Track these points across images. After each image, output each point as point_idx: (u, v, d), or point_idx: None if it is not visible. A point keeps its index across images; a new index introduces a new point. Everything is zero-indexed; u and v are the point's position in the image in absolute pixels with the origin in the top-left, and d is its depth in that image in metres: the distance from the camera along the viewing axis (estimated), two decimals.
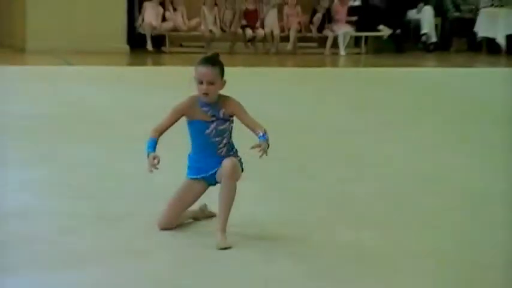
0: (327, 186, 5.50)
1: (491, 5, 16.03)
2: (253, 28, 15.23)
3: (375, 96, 10.44)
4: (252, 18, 15.24)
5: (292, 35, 15.17)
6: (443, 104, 10.04)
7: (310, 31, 15.41)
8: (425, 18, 16.05)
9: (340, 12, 15.53)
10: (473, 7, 16.36)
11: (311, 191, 5.35)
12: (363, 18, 15.65)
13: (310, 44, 15.68)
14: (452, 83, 12.11)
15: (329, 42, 15.35)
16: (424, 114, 9.29)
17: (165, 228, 4.55)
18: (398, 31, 15.86)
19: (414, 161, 6.74)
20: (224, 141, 4.69)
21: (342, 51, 15.29)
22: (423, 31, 16.07)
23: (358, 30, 15.62)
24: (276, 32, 15.20)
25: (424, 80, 12.57)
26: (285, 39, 15.22)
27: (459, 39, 16.43)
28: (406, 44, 16.11)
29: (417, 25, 16.15)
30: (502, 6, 16.00)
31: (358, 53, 15.64)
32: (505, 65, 14.54)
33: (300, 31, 15.35)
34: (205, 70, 4.57)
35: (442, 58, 15.53)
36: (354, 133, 7.71)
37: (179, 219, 4.68)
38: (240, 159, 4.55)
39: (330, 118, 8.68)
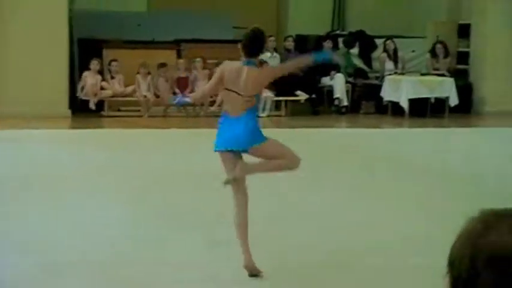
0: None
1: (395, 73, 16.93)
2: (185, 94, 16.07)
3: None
4: (183, 84, 16.08)
5: (220, 99, 15.95)
6: (354, 161, 10.84)
7: None
8: (337, 84, 16.72)
9: None
10: (379, 75, 17.22)
11: None
12: (282, 84, 16.52)
13: None
14: (362, 142, 12.83)
15: None
16: (338, 171, 10.23)
17: None
18: (313, 96, 16.59)
19: (331, 214, 7.64)
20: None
21: (264, 114, 15.94)
22: (336, 95, 16.71)
23: (278, 95, 16.34)
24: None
25: (337, 139, 13.29)
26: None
27: (367, 103, 16.98)
28: (321, 107, 16.71)
29: (330, 90, 16.81)
30: (403, 74, 16.92)
31: (279, 115, 16.32)
32: (408, 126, 15.38)
33: None
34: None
35: (353, 120, 16.16)
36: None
37: None
38: None
39: None
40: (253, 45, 5.84)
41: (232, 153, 5.66)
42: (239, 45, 5.91)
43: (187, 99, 6.46)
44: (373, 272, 5.93)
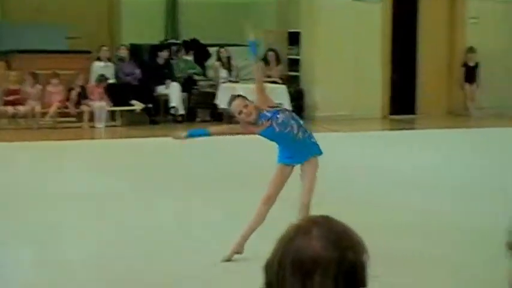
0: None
1: (229, 81, 16.89)
2: (15, 105, 15.48)
3: (129, 165, 11.13)
4: (14, 96, 15.48)
5: (53, 110, 15.50)
6: (191, 171, 10.75)
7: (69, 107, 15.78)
8: (173, 92, 16.55)
9: (95, 90, 15.98)
10: (213, 82, 17.09)
11: None
12: (116, 94, 16.18)
13: (69, 118, 15.96)
14: (201, 151, 12.93)
15: (86, 117, 15.72)
16: (174, 181, 10.05)
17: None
18: (149, 105, 16.33)
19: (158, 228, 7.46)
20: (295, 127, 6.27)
21: (99, 125, 15.72)
22: (171, 104, 16.54)
23: (113, 105, 16.05)
24: (38, 108, 15.52)
25: (176, 148, 13.26)
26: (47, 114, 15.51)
27: (203, 111, 16.93)
28: (158, 116, 16.50)
29: (166, 99, 16.62)
30: (237, 81, 16.90)
31: (114, 126, 15.99)
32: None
33: (60, 108, 15.71)
34: (238, 101, 6.14)
35: (189, 128, 15.78)
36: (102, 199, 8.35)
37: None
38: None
39: (88, 185, 9.29)
40: None
41: None
42: None
43: None
44: None
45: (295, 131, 6.31)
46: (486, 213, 7.96)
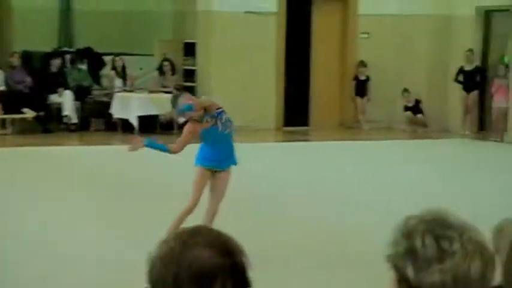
0: None
1: (124, 90, 16.73)
2: None
3: (20, 174, 10.93)
4: None
5: None
6: (85, 180, 10.64)
7: None
8: (66, 101, 16.29)
9: None
10: (108, 91, 16.90)
11: None
12: (7, 102, 15.82)
13: None
14: (92, 160, 12.70)
15: None
16: (68, 190, 9.92)
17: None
18: (42, 113, 16.03)
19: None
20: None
21: None
22: (64, 113, 16.30)
23: (3, 112, 15.72)
24: None
25: (67, 157, 13.00)
26: None
27: (97, 120, 16.75)
28: (51, 125, 16.19)
29: (59, 108, 16.34)
30: (132, 91, 16.75)
31: (5, 134, 15.65)
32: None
33: None
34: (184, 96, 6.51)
35: (83, 137, 15.88)
36: None
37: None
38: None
39: None
40: None
41: None
42: None
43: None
44: None
45: (232, 134, 6.54)
46: (371, 225, 8.15)
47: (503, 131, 16.29)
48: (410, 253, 1.80)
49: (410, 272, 1.80)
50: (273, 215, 8.76)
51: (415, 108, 17.68)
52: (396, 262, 1.83)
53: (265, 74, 17.39)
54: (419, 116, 17.66)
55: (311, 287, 6.30)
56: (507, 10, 16.11)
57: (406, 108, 17.72)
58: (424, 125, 17.61)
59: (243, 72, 17.16)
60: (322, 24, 18.12)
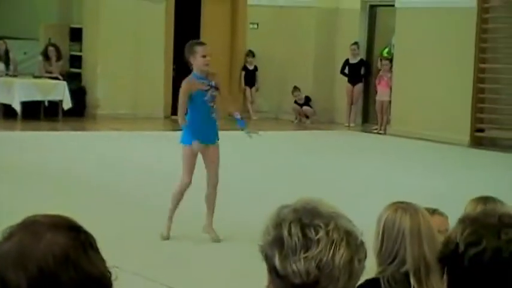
0: None
1: (6, 75, 16.25)
2: None
3: None
4: None
5: None
6: None
7: None
8: None
9: None
10: None
11: None
12: None
13: None
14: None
15: None
16: None
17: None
18: None
19: None
20: (215, 106, 6.85)
21: None
22: None
23: None
24: None
25: None
26: None
27: None
28: None
29: None
30: (15, 76, 16.29)
31: None
32: (21, 129, 14.91)
33: None
34: (206, 46, 7.00)
35: None
36: None
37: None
38: None
39: None
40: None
41: None
42: None
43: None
44: None
45: (213, 111, 6.96)
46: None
47: (386, 123, 16.66)
48: (278, 242, 1.81)
49: (277, 260, 1.81)
50: (136, 205, 8.65)
51: (305, 104, 17.86)
52: (266, 251, 1.84)
53: (154, 62, 17.23)
54: (305, 108, 17.85)
55: None
56: (392, 5, 16.46)
57: (297, 104, 17.90)
58: (311, 116, 17.80)
59: (131, 60, 16.96)
60: (212, 14, 18.08)
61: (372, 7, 17.82)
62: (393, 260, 3.10)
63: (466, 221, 2.09)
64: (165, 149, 13.08)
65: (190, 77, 7.15)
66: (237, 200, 9.12)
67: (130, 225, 7.80)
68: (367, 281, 3.04)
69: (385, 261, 3.12)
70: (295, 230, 1.81)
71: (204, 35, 18.10)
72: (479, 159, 13.65)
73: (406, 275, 3.08)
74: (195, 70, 7.11)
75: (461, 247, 2.03)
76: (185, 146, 7.04)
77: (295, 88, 17.77)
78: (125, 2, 16.87)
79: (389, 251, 3.10)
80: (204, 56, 6.93)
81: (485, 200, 3.66)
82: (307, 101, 17.85)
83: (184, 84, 7.07)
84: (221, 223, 7.51)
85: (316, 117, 17.79)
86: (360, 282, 1.90)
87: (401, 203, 3.23)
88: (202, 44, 7.28)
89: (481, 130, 15.19)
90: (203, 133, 7.00)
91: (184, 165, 7.03)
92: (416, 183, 10.28)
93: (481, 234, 2.02)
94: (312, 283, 1.79)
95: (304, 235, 1.81)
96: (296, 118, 17.84)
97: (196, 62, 6.89)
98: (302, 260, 1.79)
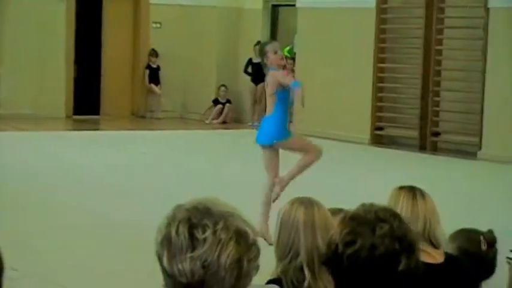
0: None
1: None
2: None
3: None
4: None
5: None
6: None
7: None
8: None
9: None
10: None
11: None
12: None
13: None
14: None
15: None
16: None
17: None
18: None
19: None
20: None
21: None
22: None
23: None
24: None
25: None
26: None
27: None
28: None
29: None
30: None
31: None
32: None
33: None
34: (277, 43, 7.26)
35: None
36: None
37: None
38: None
39: None
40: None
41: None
42: None
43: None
44: None
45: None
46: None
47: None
48: (166, 241, 1.81)
49: (165, 259, 1.80)
50: (58, 204, 8.59)
51: (228, 102, 17.80)
52: (158, 250, 1.83)
53: (55, 61, 17.00)
54: (228, 105, 17.76)
55: None
56: (293, 5, 16.67)
57: (216, 102, 17.81)
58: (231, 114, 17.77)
59: (31, 58, 16.70)
60: (114, 12, 17.96)
61: (274, 7, 18.02)
62: (289, 253, 3.11)
63: (345, 219, 2.12)
64: (68, 149, 12.94)
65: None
66: (122, 198, 9.08)
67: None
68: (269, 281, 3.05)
69: (282, 254, 3.16)
70: (183, 230, 1.79)
71: (106, 33, 17.99)
72: (378, 157, 13.93)
73: (302, 267, 3.08)
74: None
75: (340, 247, 2.06)
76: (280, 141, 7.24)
77: (223, 86, 17.72)
78: (27, 1, 16.61)
79: (285, 244, 3.12)
80: (275, 52, 7.23)
81: (409, 189, 3.52)
82: (228, 101, 17.82)
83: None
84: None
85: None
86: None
87: (302, 197, 3.24)
88: (273, 41, 7.69)
89: (381, 128, 15.53)
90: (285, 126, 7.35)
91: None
92: (319, 180, 10.44)
93: (356, 233, 2.05)
94: (197, 283, 1.77)
95: (191, 234, 1.78)
96: (212, 118, 17.66)
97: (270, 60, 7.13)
98: (188, 260, 1.77)
